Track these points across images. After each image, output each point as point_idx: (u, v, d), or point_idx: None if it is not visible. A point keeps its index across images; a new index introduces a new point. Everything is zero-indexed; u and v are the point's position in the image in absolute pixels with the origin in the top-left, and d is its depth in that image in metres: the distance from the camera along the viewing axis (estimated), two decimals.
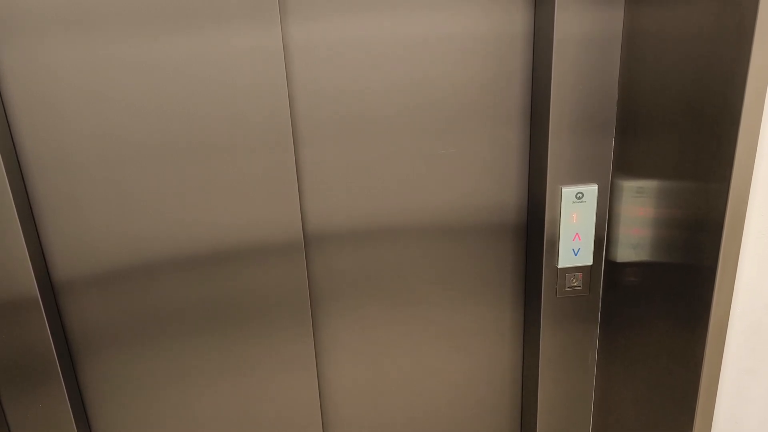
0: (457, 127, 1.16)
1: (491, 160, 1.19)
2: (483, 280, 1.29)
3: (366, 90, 1.11)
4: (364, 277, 1.25)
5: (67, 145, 1.06)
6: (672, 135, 0.94)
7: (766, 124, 0.83)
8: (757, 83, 0.77)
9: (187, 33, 1.02)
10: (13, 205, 1.02)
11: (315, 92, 1.10)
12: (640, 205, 1.06)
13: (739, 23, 0.77)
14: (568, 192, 1.12)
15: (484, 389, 1.41)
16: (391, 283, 1.26)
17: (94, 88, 1.03)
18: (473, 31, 1.09)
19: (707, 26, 0.83)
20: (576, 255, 1.17)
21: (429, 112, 1.14)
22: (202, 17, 1.01)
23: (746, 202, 0.84)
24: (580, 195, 1.13)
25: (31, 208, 1.09)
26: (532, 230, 1.23)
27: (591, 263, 1.19)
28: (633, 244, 1.10)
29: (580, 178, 1.13)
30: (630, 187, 1.09)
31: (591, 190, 1.13)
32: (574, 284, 1.21)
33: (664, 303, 1.02)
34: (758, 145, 0.81)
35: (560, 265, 1.18)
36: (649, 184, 1.03)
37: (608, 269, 1.20)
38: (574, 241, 1.16)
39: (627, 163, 1.09)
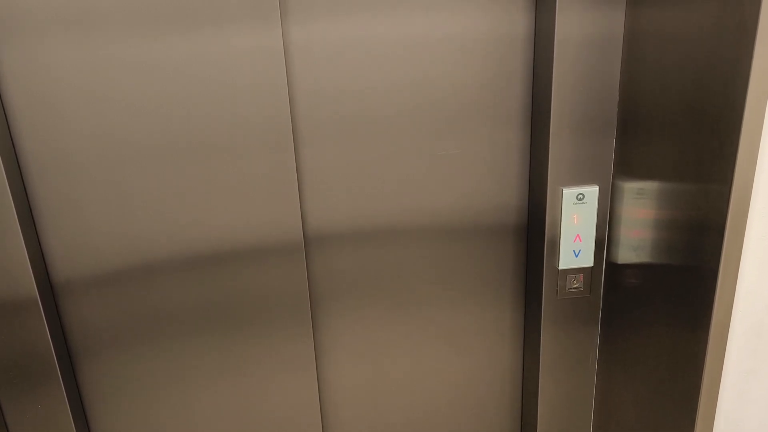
0: (458, 128, 1.15)
1: (492, 161, 1.19)
2: (483, 281, 1.29)
3: (366, 90, 1.10)
4: (365, 277, 1.24)
5: (67, 146, 1.06)
6: (673, 136, 0.94)
7: None
8: (760, 84, 0.77)
9: (187, 33, 1.01)
10: (13, 205, 1.02)
11: (315, 92, 1.09)
12: (641, 206, 1.06)
13: (741, 23, 0.77)
14: (569, 193, 1.12)
15: (484, 390, 1.40)
16: (391, 284, 1.26)
17: (94, 89, 1.03)
18: (474, 31, 1.09)
19: (709, 27, 0.83)
20: (577, 256, 1.17)
21: (429, 113, 1.14)
22: (202, 17, 1.01)
23: (748, 204, 0.83)
24: (581, 196, 1.13)
25: (30, 208, 1.08)
26: (533, 231, 1.23)
27: (592, 265, 1.19)
28: (634, 245, 1.10)
29: (581, 179, 1.13)
30: (631, 188, 1.08)
31: (592, 192, 1.13)
32: (575, 286, 1.20)
33: (666, 305, 1.02)
34: (760, 146, 0.80)
35: (561, 267, 1.18)
36: (650, 186, 1.02)
37: (609, 271, 1.20)
38: (575, 243, 1.16)
39: (628, 164, 1.08)
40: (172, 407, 1.29)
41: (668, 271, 1.00)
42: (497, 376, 1.39)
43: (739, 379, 1.01)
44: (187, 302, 1.20)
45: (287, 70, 1.07)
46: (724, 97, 0.81)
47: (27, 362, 1.12)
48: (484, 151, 1.18)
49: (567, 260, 1.17)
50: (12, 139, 1.04)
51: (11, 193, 1.01)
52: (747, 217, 0.84)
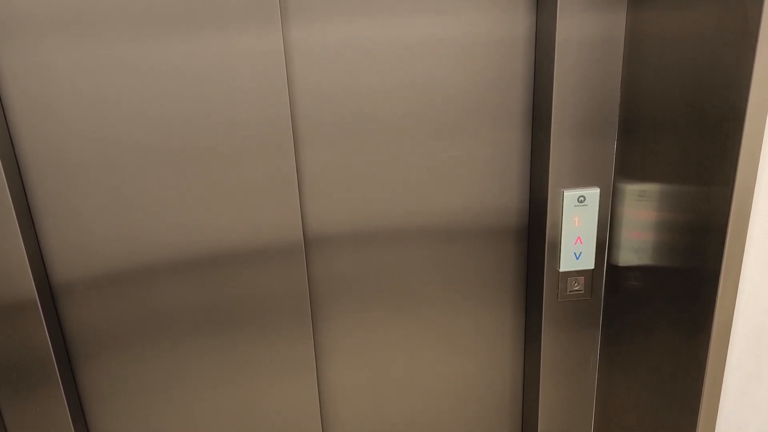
0: (458, 130, 1.15)
1: (493, 163, 1.19)
2: (484, 284, 1.29)
3: (367, 92, 1.10)
4: (365, 279, 1.24)
5: (67, 148, 1.06)
6: (675, 138, 0.94)
7: None
8: (761, 86, 0.77)
9: (187, 35, 1.01)
10: (12, 207, 1.01)
11: (316, 94, 1.09)
12: (643, 208, 1.06)
13: (742, 26, 0.77)
14: (570, 195, 1.12)
15: (485, 393, 1.40)
16: (391, 286, 1.26)
17: (93, 91, 1.03)
18: (475, 33, 1.09)
19: (710, 29, 0.83)
20: (578, 259, 1.17)
21: (430, 115, 1.14)
22: (202, 19, 1.01)
23: (750, 206, 0.83)
24: (582, 198, 1.12)
25: (30, 210, 1.08)
26: (534, 233, 1.22)
27: (593, 267, 1.19)
28: (635, 247, 1.10)
29: (582, 181, 1.12)
30: (632, 190, 1.08)
31: (593, 194, 1.13)
32: (576, 288, 1.20)
33: (667, 307, 1.02)
34: (762, 148, 0.80)
35: (562, 269, 1.17)
36: (651, 188, 1.02)
37: (610, 273, 1.19)
38: (576, 245, 1.16)
39: (629, 166, 1.08)
40: (171, 409, 1.29)
41: (670, 273, 1.00)
42: (498, 379, 1.39)
43: (741, 382, 1.00)
44: (187, 304, 1.20)
45: (287, 72, 1.07)
46: (726, 98, 0.81)
47: (26, 364, 1.12)
48: (484, 152, 1.18)
49: (568, 262, 1.17)
50: (12, 141, 1.04)
51: (11, 194, 1.01)
52: (749, 219, 0.84)
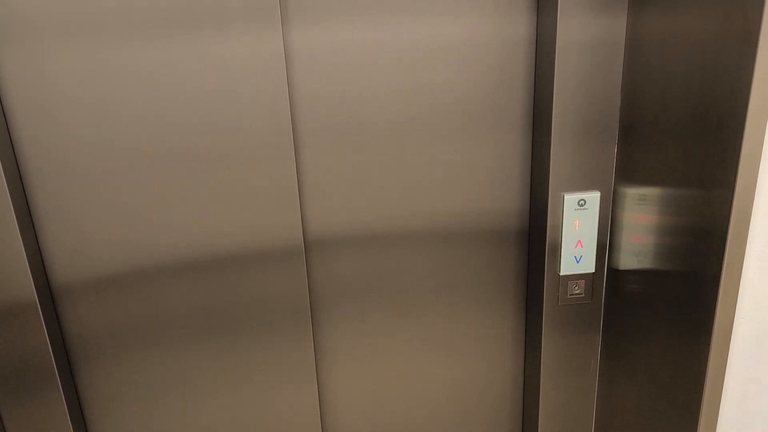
0: (459, 133, 1.15)
1: (493, 166, 1.19)
2: (484, 287, 1.29)
3: (367, 96, 1.10)
4: (365, 283, 1.24)
5: (67, 151, 1.06)
6: (675, 142, 0.94)
7: None
8: (762, 90, 0.77)
9: (187, 39, 1.01)
10: (12, 210, 1.01)
11: (316, 98, 1.09)
12: (643, 212, 1.06)
13: (743, 29, 0.77)
14: (571, 199, 1.12)
15: (485, 397, 1.40)
16: (392, 290, 1.26)
17: (93, 94, 1.03)
18: (476, 37, 1.09)
19: (711, 33, 0.83)
20: (578, 262, 1.17)
21: (431, 118, 1.14)
22: (202, 23, 1.01)
23: (750, 209, 0.83)
24: (582, 202, 1.12)
25: (30, 213, 1.08)
26: (534, 237, 1.22)
27: (593, 270, 1.18)
28: (636, 251, 1.10)
29: (582, 184, 1.12)
30: (633, 194, 1.08)
31: (593, 197, 1.13)
32: (576, 292, 1.20)
33: (667, 311, 1.01)
34: (763, 151, 0.80)
35: (562, 273, 1.17)
36: (652, 191, 1.02)
37: (610, 277, 1.19)
38: (576, 249, 1.16)
39: (630, 170, 1.08)
40: (171, 413, 1.28)
41: (670, 277, 1.00)
42: (498, 383, 1.39)
43: (742, 387, 1.00)
44: (187, 307, 1.19)
45: (288, 75, 1.07)
46: (727, 102, 0.81)
47: (26, 367, 1.12)
48: (485, 156, 1.18)
49: (568, 266, 1.17)
50: (12, 144, 1.04)
51: (11, 197, 1.01)
52: (749, 222, 0.84)
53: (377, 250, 1.22)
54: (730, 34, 0.79)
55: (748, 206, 0.83)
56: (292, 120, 1.09)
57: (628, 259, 1.13)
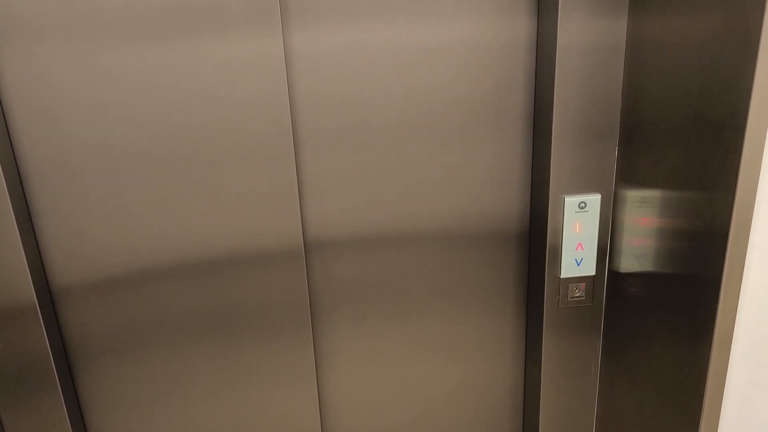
0: (460, 135, 1.15)
1: (494, 169, 1.18)
2: (485, 290, 1.28)
3: (368, 98, 1.10)
4: (365, 285, 1.24)
5: (67, 153, 1.06)
6: (676, 144, 0.94)
7: None
8: (763, 92, 0.76)
9: (187, 41, 1.01)
10: (12, 211, 1.01)
11: (316, 99, 1.09)
12: (644, 214, 1.05)
13: (744, 31, 0.77)
14: (571, 201, 1.12)
15: (486, 400, 1.39)
16: (392, 292, 1.25)
17: (93, 96, 1.03)
18: (476, 39, 1.09)
19: (711, 34, 0.83)
20: (579, 265, 1.17)
21: (431, 120, 1.13)
22: (202, 25, 1.01)
23: (751, 212, 0.83)
24: (583, 204, 1.12)
25: (29, 215, 1.08)
26: (535, 239, 1.22)
27: (594, 273, 1.18)
28: (636, 254, 1.09)
29: (583, 187, 1.12)
30: (633, 196, 1.08)
31: (594, 200, 1.12)
32: (577, 294, 1.20)
33: (668, 313, 1.01)
34: (764, 154, 0.80)
35: (563, 275, 1.17)
36: (652, 194, 1.02)
37: (611, 279, 1.19)
38: (577, 251, 1.16)
39: (630, 172, 1.08)
40: (171, 414, 1.28)
41: (671, 279, 1.00)
42: (498, 386, 1.38)
43: (743, 390, 1.00)
44: (187, 309, 1.19)
45: (288, 77, 1.07)
46: (727, 104, 0.81)
47: (25, 369, 1.12)
48: (485, 158, 1.18)
49: (569, 269, 1.17)
50: (12, 145, 1.04)
51: (10, 199, 1.01)
52: (750, 225, 0.84)
53: (377, 251, 1.21)
54: (731, 35, 0.79)
55: (749, 208, 0.83)
56: (292, 121, 1.09)
57: (629, 262, 1.12)
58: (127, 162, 1.08)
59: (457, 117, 1.14)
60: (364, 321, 1.27)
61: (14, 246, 1.03)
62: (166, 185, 1.10)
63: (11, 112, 1.02)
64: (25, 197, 1.07)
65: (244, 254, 1.16)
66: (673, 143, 0.95)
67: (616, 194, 1.13)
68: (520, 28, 1.09)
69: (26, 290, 1.06)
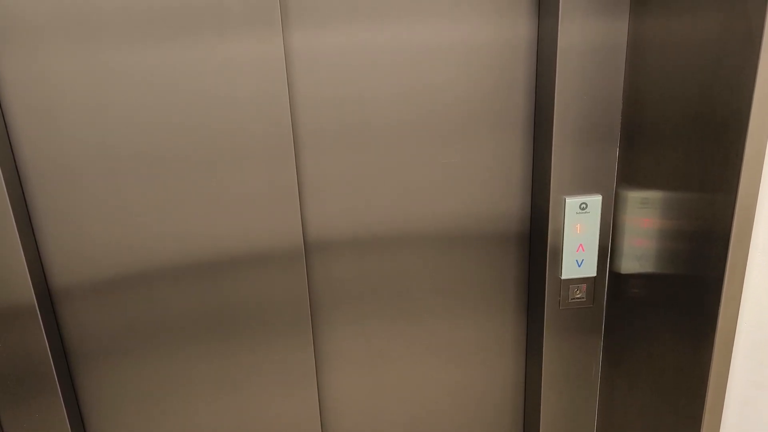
0: (460, 136, 1.15)
1: (494, 170, 1.18)
2: (485, 291, 1.28)
3: (368, 99, 1.10)
4: (365, 286, 1.24)
5: (66, 153, 1.05)
6: (677, 145, 0.94)
7: None
8: (765, 92, 0.76)
9: (187, 41, 1.01)
10: (11, 212, 1.01)
11: (316, 100, 1.09)
12: (645, 215, 1.05)
13: (745, 32, 0.76)
14: (572, 202, 1.11)
15: (486, 401, 1.39)
16: (392, 293, 1.25)
17: (93, 97, 1.03)
18: (477, 40, 1.09)
19: (713, 35, 0.83)
20: (579, 266, 1.16)
21: (432, 121, 1.13)
22: (202, 25, 1.01)
23: (753, 213, 0.83)
24: (583, 205, 1.12)
25: (29, 215, 1.08)
26: (535, 240, 1.22)
27: (595, 274, 1.18)
28: (637, 255, 1.09)
29: (583, 188, 1.12)
30: (634, 197, 1.08)
31: (595, 201, 1.12)
32: (578, 295, 1.19)
33: (670, 315, 1.01)
34: (766, 154, 0.80)
35: (563, 276, 1.17)
36: (654, 195, 1.02)
37: (612, 280, 1.19)
38: (578, 252, 1.15)
39: (631, 173, 1.08)
40: (170, 416, 1.28)
41: (672, 280, 0.99)
42: (499, 387, 1.38)
43: (745, 391, 0.99)
44: (187, 310, 1.19)
45: (288, 78, 1.07)
46: (729, 105, 0.81)
47: (24, 370, 1.12)
48: (486, 159, 1.17)
49: (570, 270, 1.16)
50: (11, 146, 1.04)
51: (10, 200, 1.01)
52: (752, 226, 0.83)
53: (378, 252, 1.21)
54: (733, 35, 0.79)
55: (750, 209, 0.82)
56: (292, 122, 1.09)
57: (630, 263, 1.12)
58: (126, 162, 1.07)
59: (458, 118, 1.14)
60: (364, 322, 1.27)
61: (14, 247, 1.03)
62: (165, 186, 1.10)
63: (11, 112, 1.02)
64: (24, 197, 1.07)
65: (243, 255, 1.16)
66: (674, 144, 0.95)
67: (617, 195, 1.13)
68: (521, 28, 1.09)
69: (26, 291, 1.06)
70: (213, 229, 1.14)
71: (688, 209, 0.93)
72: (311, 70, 1.07)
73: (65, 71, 1.01)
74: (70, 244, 1.11)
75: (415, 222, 1.20)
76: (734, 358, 0.95)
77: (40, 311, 1.08)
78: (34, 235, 1.09)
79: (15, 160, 1.05)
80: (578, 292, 1.19)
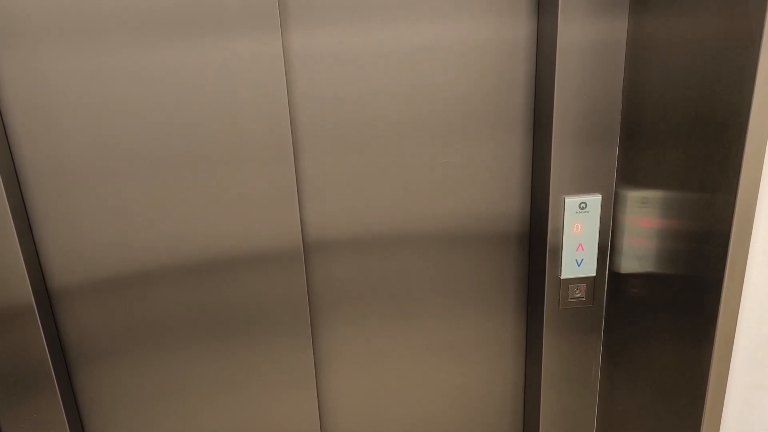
0: (460, 136, 1.15)
1: (494, 169, 1.18)
2: (485, 291, 1.28)
3: (367, 98, 1.10)
4: (365, 286, 1.24)
5: (65, 154, 1.05)
6: (677, 144, 0.93)
7: None
8: (765, 92, 0.76)
9: (186, 41, 1.01)
10: (10, 212, 1.01)
11: (316, 100, 1.09)
12: (645, 215, 1.05)
13: (746, 31, 0.76)
14: (572, 202, 1.11)
15: (486, 401, 1.39)
16: (391, 293, 1.25)
17: (92, 97, 1.02)
18: (476, 39, 1.09)
19: (713, 34, 0.82)
20: (579, 266, 1.16)
21: (431, 121, 1.13)
22: (201, 25, 1.00)
23: (753, 213, 0.83)
24: (583, 205, 1.12)
25: (27, 216, 1.08)
26: (535, 240, 1.22)
27: (594, 274, 1.18)
28: (637, 254, 1.09)
29: (583, 187, 1.12)
30: (634, 197, 1.07)
31: (594, 200, 1.12)
32: (577, 295, 1.19)
33: (669, 315, 1.01)
34: (766, 154, 0.80)
35: (563, 276, 1.17)
36: (653, 194, 1.02)
37: (612, 280, 1.19)
38: (578, 252, 1.15)
39: (631, 172, 1.08)
40: (169, 416, 1.28)
41: (672, 280, 0.99)
42: (499, 387, 1.38)
43: (745, 392, 0.99)
44: (185, 311, 1.19)
45: (287, 78, 1.06)
46: (729, 104, 0.81)
47: (23, 370, 1.12)
48: (485, 159, 1.17)
49: (569, 269, 1.16)
50: (10, 146, 1.03)
51: (8, 200, 1.01)
52: (752, 226, 0.83)
53: (377, 252, 1.21)
54: (733, 35, 0.79)
55: (750, 209, 0.82)
56: (291, 122, 1.09)
57: (630, 263, 1.12)
58: (124, 162, 1.07)
59: (457, 117, 1.13)
60: (363, 322, 1.27)
61: (12, 247, 1.03)
62: (164, 186, 1.10)
63: (10, 112, 1.02)
64: (22, 197, 1.07)
65: (243, 255, 1.16)
66: (674, 143, 0.94)
67: (616, 195, 1.13)
68: (520, 28, 1.09)
69: (24, 291, 1.06)
70: (212, 229, 1.13)
71: (688, 209, 0.93)
72: (310, 69, 1.07)
73: (64, 71, 1.00)
74: (68, 244, 1.11)
75: (415, 222, 1.20)
76: (734, 358, 0.95)
77: (38, 311, 1.08)
78: (32, 235, 1.09)
79: (13, 160, 1.04)
80: (578, 291, 1.19)
